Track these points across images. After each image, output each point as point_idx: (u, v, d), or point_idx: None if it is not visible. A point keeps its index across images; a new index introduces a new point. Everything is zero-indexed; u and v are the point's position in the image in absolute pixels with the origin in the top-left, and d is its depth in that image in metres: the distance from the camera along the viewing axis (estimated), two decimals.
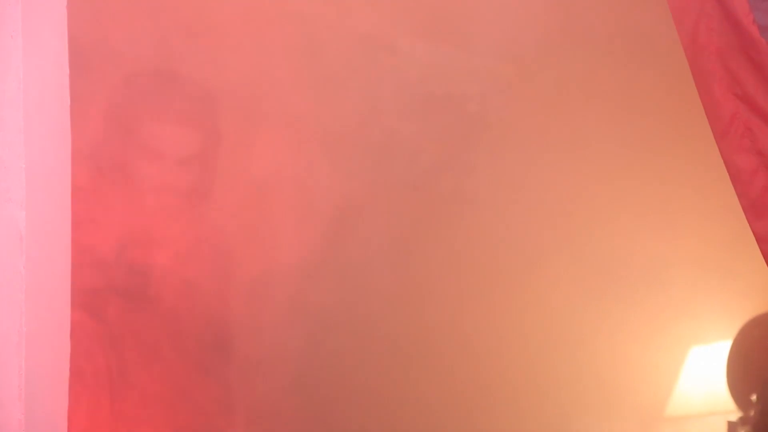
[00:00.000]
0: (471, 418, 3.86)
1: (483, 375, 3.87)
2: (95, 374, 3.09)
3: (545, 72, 3.86)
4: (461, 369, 3.86)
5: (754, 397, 3.82)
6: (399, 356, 3.27)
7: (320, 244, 3.36)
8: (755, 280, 3.89)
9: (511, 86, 3.86)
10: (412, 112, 3.77)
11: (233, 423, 3.19)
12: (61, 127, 2.34)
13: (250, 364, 3.18)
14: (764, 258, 2.43)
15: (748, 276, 3.95)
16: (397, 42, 3.75)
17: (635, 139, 3.92)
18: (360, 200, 3.61)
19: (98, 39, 3.18)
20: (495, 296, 3.90)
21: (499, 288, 3.91)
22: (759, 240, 2.42)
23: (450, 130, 3.84)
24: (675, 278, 4.01)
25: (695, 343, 4.07)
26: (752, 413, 3.82)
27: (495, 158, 3.90)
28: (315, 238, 3.38)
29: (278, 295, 3.16)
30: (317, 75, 3.53)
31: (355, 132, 3.68)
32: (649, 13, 3.68)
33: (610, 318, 3.96)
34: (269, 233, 3.30)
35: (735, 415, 3.91)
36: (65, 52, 2.34)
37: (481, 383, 3.87)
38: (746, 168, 2.40)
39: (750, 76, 2.39)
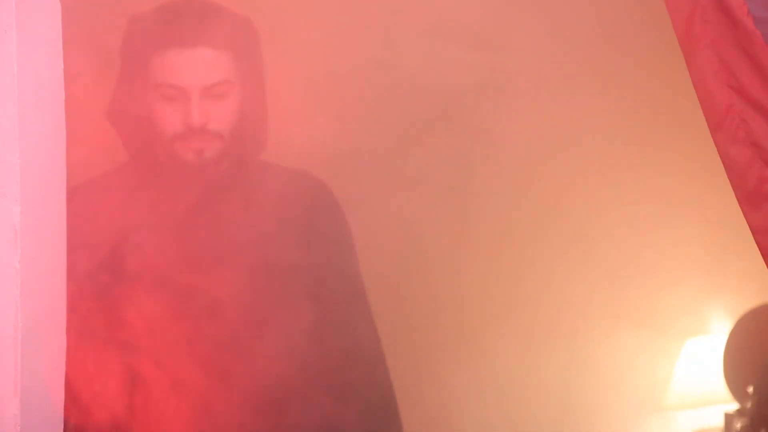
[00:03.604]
0: (464, 410, 3.86)
1: (476, 367, 3.88)
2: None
3: (542, 65, 3.86)
4: (456, 360, 3.87)
5: (750, 389, 3.82)
6: (395, 348, 3.27)
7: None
8: (752, 272, 3.89)
9: (508, 80, 3.86)
10: (408, 106, 3.77)
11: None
12: (56, 121, 2.34)
13: (252, 351, 3.16)
14: (760, 250, 2.43)
15: (744, 268, 3.96)
16: (392, 35, 3.75)
17: (632, 132, 3.93)
18: (357, 195, 3.61)
19: None
20: (490, 290, 3.91)
21: (495, 282, 3.92)
22: (755, 232, 2.42)
23: (446, 124, 3.84)
24: (671, 270, 4.01)
25: (692, 335, 4.07)
26: (749, 405, 3.82)
27: (491, 151, 3.90)
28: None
29: (272, 282, 3.15)
30: (313, 72, 3.52)
31: (352, 128, 3.68)
32: (644, 5, 3.68)
33: (606, 310, 3.97)
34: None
35: (732, 406, 3.92)
36: (60, 46, 2.33)
37: (474, 376, 3.88)
38: (741, 160, 2.40)
39: (745, 68, 2.38)
